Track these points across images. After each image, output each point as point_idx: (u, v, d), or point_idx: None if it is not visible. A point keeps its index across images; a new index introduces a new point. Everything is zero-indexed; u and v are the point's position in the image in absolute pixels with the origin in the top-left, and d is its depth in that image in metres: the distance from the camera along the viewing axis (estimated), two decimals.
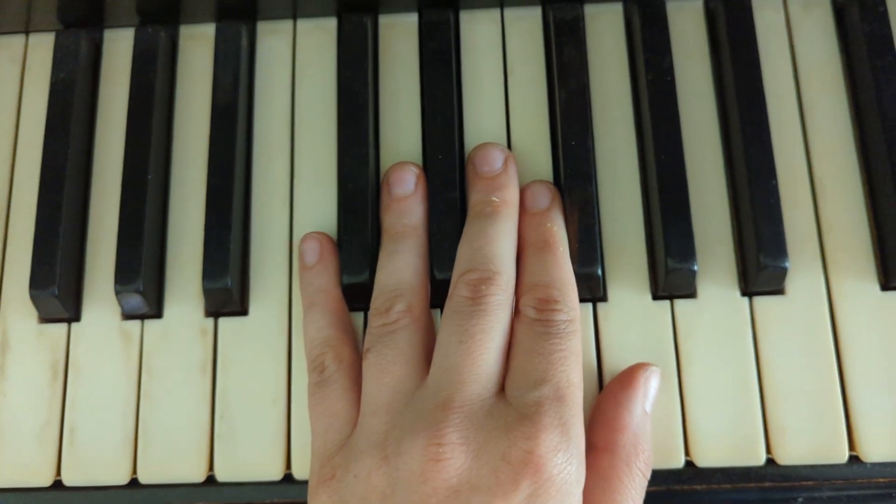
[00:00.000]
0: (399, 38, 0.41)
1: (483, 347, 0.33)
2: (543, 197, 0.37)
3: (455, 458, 0.31)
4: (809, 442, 0.35)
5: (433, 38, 0.40)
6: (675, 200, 0.36)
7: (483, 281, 0.34)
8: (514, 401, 0.32)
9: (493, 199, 0.36)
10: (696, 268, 0.36)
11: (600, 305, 0.37)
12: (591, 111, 0.38)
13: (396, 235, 0.37)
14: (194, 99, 0.41)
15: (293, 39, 0.42)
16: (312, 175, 0.39)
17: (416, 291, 0.36)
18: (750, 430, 0.35)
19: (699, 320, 0.37)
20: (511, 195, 0.37)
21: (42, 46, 0.42)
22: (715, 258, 0.37)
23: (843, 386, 0.36)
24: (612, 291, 0.37)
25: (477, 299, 0.34)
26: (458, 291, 0.34)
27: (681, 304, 0.37)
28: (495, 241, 0.35)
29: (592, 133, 0.38)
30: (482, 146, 0.38)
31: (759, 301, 0.37)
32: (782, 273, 0.36)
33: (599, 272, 0.36)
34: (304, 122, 0.40)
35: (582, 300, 0.36)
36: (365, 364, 0.35)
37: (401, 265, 0.36)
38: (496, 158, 0.38)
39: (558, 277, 0.35)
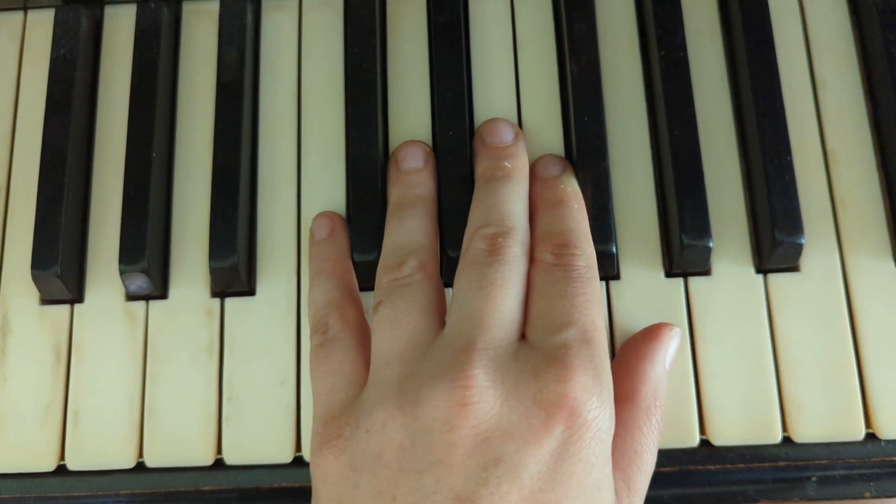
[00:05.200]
0: (407, 13, 0.40)
1: (503, 292, 0.32)
2: (554, 166, 0.37)
3: (483, 401, 0.29)
4: (825, 419, 0.35)
5: (442, 13, 0.39)
6: (689, 176, 0.36)
7: (500, 234, 0.33)
8: (540, 344, 0.31)
9: (505, 164, 0.36)
10: (711, 244, 0.35)
11: (613, 283, 0.37)
12: (602, 87, 0.38)
13: (406, 203, 0.36)
14: (198, 76, 0.40)
15: (299, 15, 0.41)
16: (320, 153, 0.39)
17: (429, 252, 0.34)
18: (766, 408, 0.35)
19: (713, 298, 0.36)
20: (522, 163, 0.36)
21: (41, 23, 0.41)
22: (729, 235, 0.37)
23: (858, 363, 0.35)
24: (626, 269, 0.37)
25: (494, 250, 0.33)
26: (474, 244, 0.33)
27: (695, 282, 0.36)
28: (509, 200, 0.35)
29: (604, 109, 0.38)
30: (491, 120, 0.38)
31: (774, 278, 0.36)
32: (797, 249, 0.35)
33: (613, 249, 0.36)
34: (311, 99, 0.40)
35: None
36: (375, 318, 0.33)
37: (412, 227, 0.35)
38: (506, 131, 0.37)
39: (574, 227, 0.34)
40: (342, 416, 0.31)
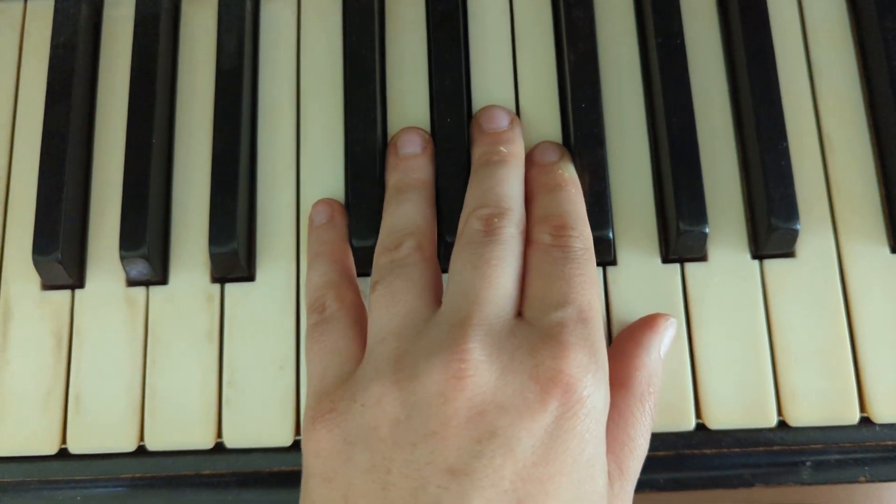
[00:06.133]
0: (406, 1, 0.41)
1: (499, 270, 0.32)
2: (552, 153, 0.37)
3: (479, 375, 0.29)
4: (820, 403, 0.35)
5: (440, 1, 0.40)
6: (686, 163, 0.36)
7: (496, 215, 0.33)
8: (536, 322, 0.31)
9: (501, 149, 0.36)
10: (707, 230, 0.35)
11: (610, 269, 0.37)
12: (600, 74, 0.38)
13: (404, 187, 0.36)
14: (198, 64, 0.40)
15: (297, 3, 0.41)
16: (319, 140, 0.39)
17: (426, 234, 0.35)
18: (761, 393, 0.35)
19: (709, 283, 0.36)
20: (518, 149, 0.36)
21: (41, 12, 0.41)
22: (725, 221, 0.37)
23: (853, 347, 0.36)
24: (622, 255, 0.37)
25: (490, 231, 0.33)
26: (470, 225, 0.33)
27: (691, 268, 0.37)
28: (504, 183, 0.35)
29: (601, 96, 0.38)
30: (488, 107, 0.38)
31: (770, 264, 0.37)
32: (793, 235, 0.36)
33: (610, 235, 0.36)
34: (310, 87, 0.40)
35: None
36: (373, 297, 0.33)
37: (410, 210, 0.35)
38: (502, 117, 0.37)
39: (571, 210, 0.34)
40: (336, 392, 0.31)
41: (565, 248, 0.33)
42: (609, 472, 0.31)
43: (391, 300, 0.32)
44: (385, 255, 0.34)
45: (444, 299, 0.32)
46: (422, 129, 0.38)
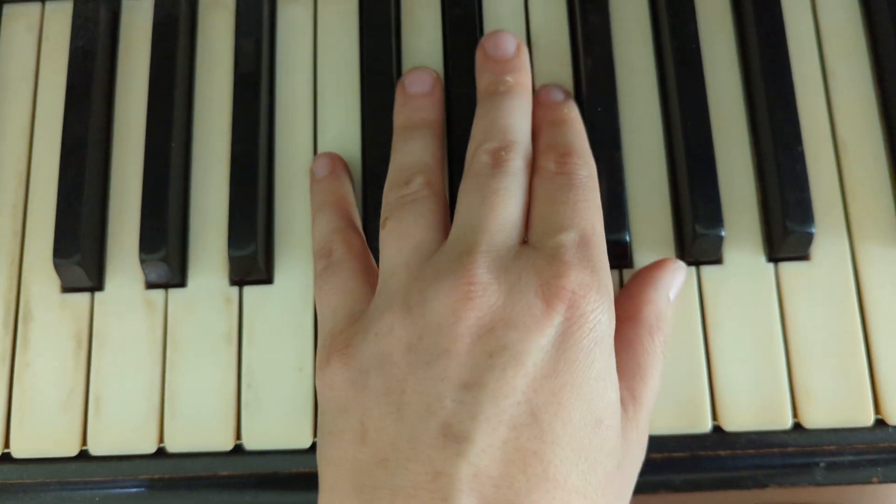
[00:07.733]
0: (422, 5, 0.41)
1: (506, 201, 0.33)
2: (558, 93, 0.38)
3: (487, 295, 0.30)
4: (835, 405, 0.35)
5: (456, 5, 0.40)
6: (702, 167, 0.36)
7: (503, 148, 0.34)
8: (540, 245, 0.32)
9: (507, 78, 0.36)
10: (723, 234, 0.36)
11: (626, 272, 0.37)
12: (616, 79, 0.38)
13: (412, 126, 0.36)
14: (216, 67, 0.40)
15: (314, 7, 0.41)
16: (336, 142, 0.39)
17: (435, 171, 0.35)
18: (776, 395, 0.36)
19: (725, 286, 0.37)
20: (525, 79, 0.37)
21: (59, 14, 0.42)
22: (740, 224, 0.37)
23: (868, 349, 0.36)
24: (638, 258, 0.37)
25: (497, 164, 0.33)
26: (477, 158, 0.34)
27: (707, 271, 0.37)
28: (511, 114, 0.35)
29: (617, 100, 0.38)
30: (494, 32, 0.38)
31: (785, 266, 0.37)
32: (808, 239, 0.36)
33: (627, 238, 0.36)
34: (327, 91, 0.40)
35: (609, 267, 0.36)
36: (383, 234, 0.34)
37: (418, 147, 0.36)
38: (508, 43, 0.37)
39: (575, 141, 0.35)
40: (350, 328, 0.32)
41: (570, 174, 0.34)
42: (622, 398, 0.32)
43: (401, 235, 0.33)
44: (394, 192, 0.34)
45: (452, 230, 0.33)
46: (430, 68, 0.39)
